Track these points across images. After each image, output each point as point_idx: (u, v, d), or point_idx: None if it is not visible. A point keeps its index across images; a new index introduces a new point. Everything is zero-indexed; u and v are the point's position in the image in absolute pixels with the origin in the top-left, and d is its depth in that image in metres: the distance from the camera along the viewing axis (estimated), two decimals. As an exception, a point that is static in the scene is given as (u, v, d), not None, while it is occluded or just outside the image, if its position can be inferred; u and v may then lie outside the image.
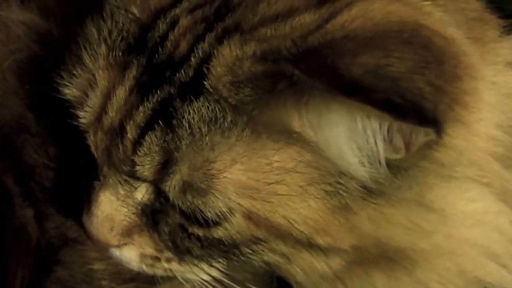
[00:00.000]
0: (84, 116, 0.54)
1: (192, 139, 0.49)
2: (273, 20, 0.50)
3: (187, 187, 0.50)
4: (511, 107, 0.55)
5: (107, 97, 0.52)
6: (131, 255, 0.58)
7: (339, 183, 0.51)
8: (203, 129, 0.49)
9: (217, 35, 0.50)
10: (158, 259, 0.57)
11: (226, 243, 0.53)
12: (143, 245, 0.57)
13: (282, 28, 0.49)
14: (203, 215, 0.51)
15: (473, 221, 0.54)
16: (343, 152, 0.49)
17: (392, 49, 0.45)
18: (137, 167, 0.52)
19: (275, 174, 0.50)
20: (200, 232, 0.53)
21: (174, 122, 0.50)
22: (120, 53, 0.53)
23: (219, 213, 0.51)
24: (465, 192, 0.54)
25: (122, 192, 0.55)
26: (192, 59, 0.50)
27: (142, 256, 0.58)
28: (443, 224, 0.54)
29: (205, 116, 0.49)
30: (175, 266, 0.57)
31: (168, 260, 0.57)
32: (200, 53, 0.50)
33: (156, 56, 0.52)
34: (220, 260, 0.56)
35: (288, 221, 0.51)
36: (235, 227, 0.52)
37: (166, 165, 0.50)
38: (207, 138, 0.49)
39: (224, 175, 0.50)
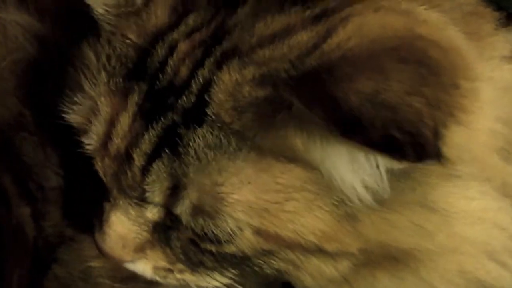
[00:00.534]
0: (90, 143, 0.54)
1: (199, 165, 0.50)
2: (271, 40, 0.50)
3: (197, 211, 0.51)
4: (508, 100, 0.56)
5: (111, 124, 0.53)
6: (145, 268, 0.59)
7: (345, 195, 0.51)
8: (209, 155, 0.50)
9: (216, 60, 0.50)
10: (171, 270, 0.58)
11: (238, 256, 0.54)
12: (156, 259, 0.58)
13: (279, 48, 0.49)
14: (214, 234, 0.52)
15: (473, 219, 0.55)
16: (347, 182, 0.50)
17: (389, 69, 0.45)
18: (147, 193, 0.52)
19: (283, 193, 0.50)
20: (212, 248, 0.54)
21: (180, 149, 0.50)
22: (120, 79, 0.53)
23: (230, 232, 0.52)
24: (466, 190, 0.54)
25: (133, 212, 0.55)
26: (193, 85, 0.50)
27: (156, 268, 0.59)
28: (446, 223, 0.54)
29: (210, 142, 0.50)
30: (188, 276, 0.58)
31: (181, 271, 0.58)
32: (201, 80, 0.50)
33: (157, 83, 0.52)
34: (233, 270, 0.57)
35: (297, 234, 0.52)
36: (245, 243, 0.52)
37: (175, 190, 0.51)
38: (213, 163, 0.50)
39: (233, 196, 0.50)
